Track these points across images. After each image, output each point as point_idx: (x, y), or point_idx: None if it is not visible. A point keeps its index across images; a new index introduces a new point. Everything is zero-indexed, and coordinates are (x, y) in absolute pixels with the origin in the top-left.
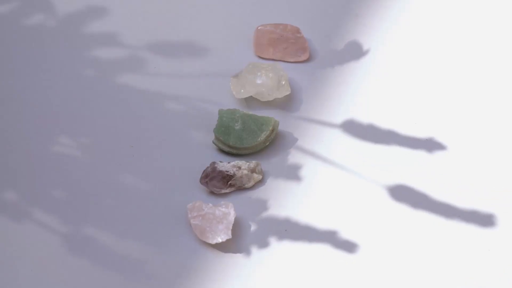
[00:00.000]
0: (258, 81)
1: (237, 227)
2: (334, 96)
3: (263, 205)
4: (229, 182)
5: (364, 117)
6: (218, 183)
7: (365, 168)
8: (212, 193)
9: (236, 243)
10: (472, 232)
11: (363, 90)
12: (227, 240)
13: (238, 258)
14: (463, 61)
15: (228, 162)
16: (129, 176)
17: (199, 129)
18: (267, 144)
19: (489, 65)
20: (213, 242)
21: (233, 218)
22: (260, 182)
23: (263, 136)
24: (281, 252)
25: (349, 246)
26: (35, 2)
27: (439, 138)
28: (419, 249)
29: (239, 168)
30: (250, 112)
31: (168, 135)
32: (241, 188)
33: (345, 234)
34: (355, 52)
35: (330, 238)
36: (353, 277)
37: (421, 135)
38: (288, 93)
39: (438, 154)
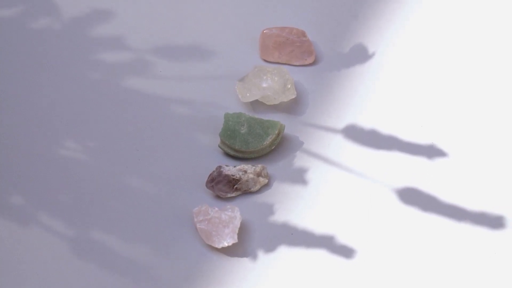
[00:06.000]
0: (264, 85)
1: (243, 231)
2: (340, 100)
3: (269, 209)
4: (235, 186)
5: (370, 121)
6: (224, 187)
7: (372, 172)
8: (218, 197)
9: (242, 247)
10: (480, 237)
11: (369, 93)
12: (233, 244)
13: (244, 262)
14: (469, 65)
15: (234, 166)
16: (134, 180)
17: (205, 132)
18: (273, 147)
19: (496, 68)
20: (219, 246)
21: (239, 222)
22: (266, 186)
23: (269, 140)
24: (287, 256)
25: (355, 250)
26: (41, 5)
27: (445, 142)
28: (426, 252)
29: (245, 172)
30: (256, 116)
31: (174, 138)
32: (247, 192)
33: (352, 238)
34: (361, 55)
35: (336, 242)
36: (361, 281)
37: (427, 138)
38: (293, 96)
39: (443, 158)
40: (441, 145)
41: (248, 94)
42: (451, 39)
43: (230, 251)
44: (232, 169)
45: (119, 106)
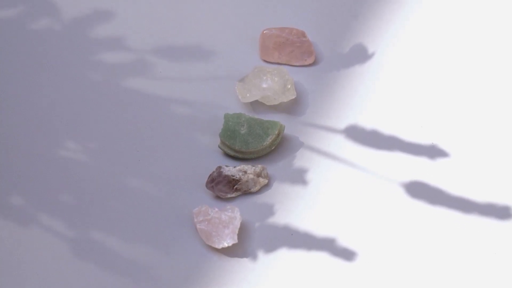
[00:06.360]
0: (264, 85)
1: (243, 232)
2: (340, 100)
3: (269, 209)
4: (235, 187)
5: (370, 121)
6: (224, 187)
7: (372, 172)
8: (218, 197)
9: (242, 248)
10: (480, 237)
11: (369, 94)
12: (233, 245)
13: (244, 262)
14: (469, 65)
15: (234, 167)
16: (135, 180)
17: (205, 133)
18: (272, 148)
19: (496, 67)
20: (219, 246)
21: (239, 223)
22: (266, 186)
23: (268, 140)
24: (287, 256)
25: (356, 251)
26: (41, 6)
27: (445, 142)
28: (427, 253)
29: (245, 172)
30: (256, 116)
31: (174, 139)
32: (247, 192)
33: (352, 238)
34: (361, 55)
35: (336, 242)
36: (362, 282)
37: (427, 138)
38: (293, 97)
39: (444, 158)
40: (441, 145)
41: (248, 95)
42: (451, 39)
43: (230, 252)
44: (232, 169)
45: (119, 106)
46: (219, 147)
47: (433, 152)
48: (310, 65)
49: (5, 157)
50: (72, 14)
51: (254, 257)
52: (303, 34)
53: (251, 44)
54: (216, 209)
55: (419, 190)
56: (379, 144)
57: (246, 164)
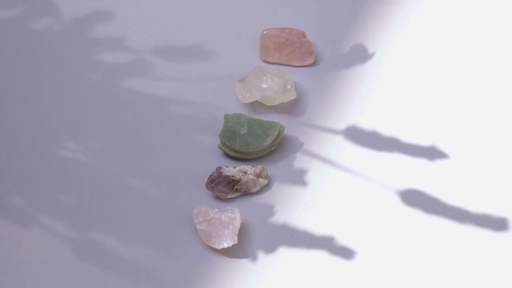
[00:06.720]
0: (264, 86)
1: (243, 232)
2: (340, 100)
3: (269, 210)
4: (235, 187)
5: (370, 122)
6: (224, 188)
7: (372, 173)
8: (218, 198)
9: (242, 248)
10: (481, 238)
11: (369, 94)
12: (233, 245)
13: (244, 263)
14: (470, 65)
15: (234, 167)
16: (135, 180)
17: (204, 133)
18: (272, 148)
19: (496, 68)
20: (219, 247)
21: (239, 223)
22: (266, 187)
23: (268, 141)
24: (287, 257)
25: (356, 251)
26: (41, 6)
27: (445, 143)
28: (426, 254)
29: (245, 173)
30: (256, 117)
31: (174, 139)
32: (247, 193)
33: (352, 239)
34: (361, 55)
35: (336, 243)
36: (361, 282)
37: (427, 139)
38: (293, 97)
39: (444, 159)
40: (441, 146)
41: (248, 95)
42: (451, 39)
43: (230, 252)
44: (232, 170)
45: (119, 106)
46: (219, 147)
47: (433, 152)
48: (310, 65)
49: (5, 157)
50: (72, 14)
51: (254, 257)
52: (303, 34)
53: (251, 44)
54: (216, 210)
55: (419, 191)
56: (379, 145)
57: (246, 164)
